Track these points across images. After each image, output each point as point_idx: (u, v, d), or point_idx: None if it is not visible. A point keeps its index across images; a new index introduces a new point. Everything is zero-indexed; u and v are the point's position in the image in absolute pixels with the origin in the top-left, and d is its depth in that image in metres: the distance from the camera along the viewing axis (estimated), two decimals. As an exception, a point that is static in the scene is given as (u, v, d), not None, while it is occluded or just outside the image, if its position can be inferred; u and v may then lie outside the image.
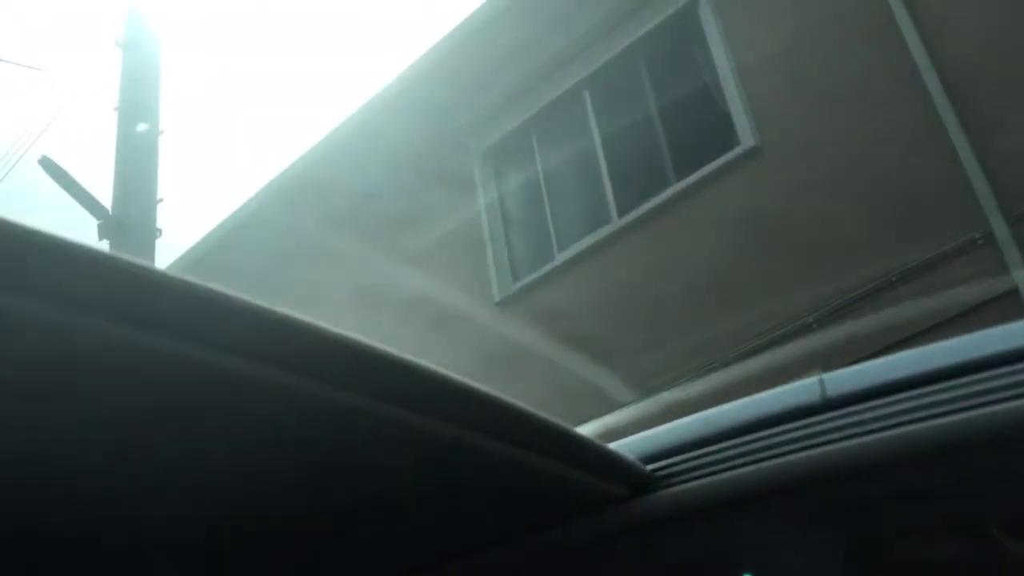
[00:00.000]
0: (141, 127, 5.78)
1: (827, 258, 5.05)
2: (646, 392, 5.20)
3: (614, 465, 0.70)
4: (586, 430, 0.70)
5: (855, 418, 0.64)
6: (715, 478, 0.68)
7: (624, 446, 0.74)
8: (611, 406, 5.23)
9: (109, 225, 5.57)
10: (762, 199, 5.49)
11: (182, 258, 8.40)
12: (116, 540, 0.67)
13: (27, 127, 16.80)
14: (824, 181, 5.24)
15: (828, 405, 0.66)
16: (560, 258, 6.46)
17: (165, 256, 8.72)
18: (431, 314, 6.92)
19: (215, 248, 8.27)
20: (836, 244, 5.04)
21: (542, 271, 6.53)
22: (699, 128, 6.08)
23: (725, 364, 5.00)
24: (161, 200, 5.80)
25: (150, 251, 5.69)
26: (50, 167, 5.51)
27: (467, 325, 6.72)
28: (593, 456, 0.69)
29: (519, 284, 6.67)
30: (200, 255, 8.33)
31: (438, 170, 7.25)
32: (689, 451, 0.70)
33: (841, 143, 5.25)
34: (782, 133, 5.53)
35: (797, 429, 0.66)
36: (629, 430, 0.78)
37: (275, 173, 7.96)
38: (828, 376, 0.68)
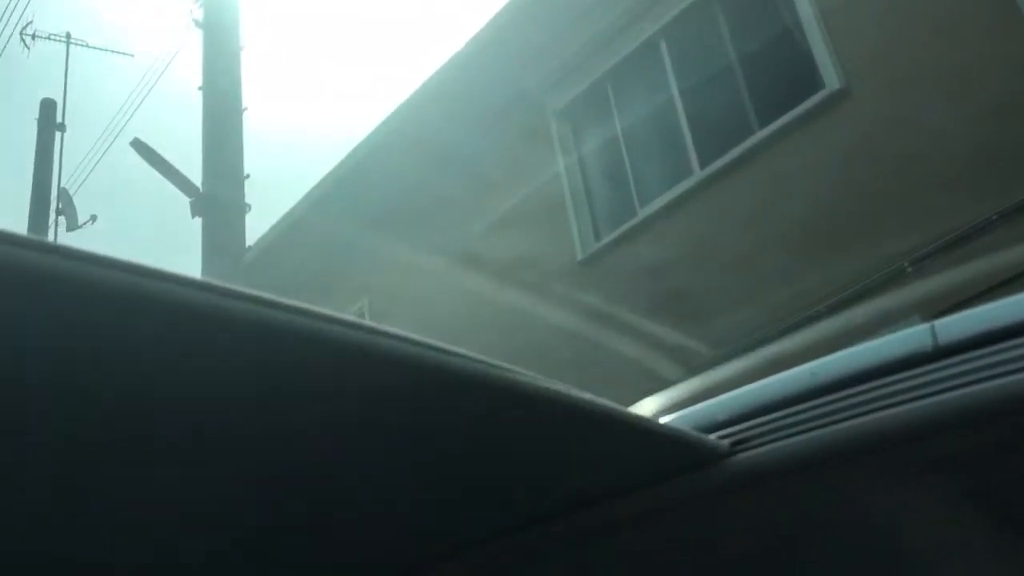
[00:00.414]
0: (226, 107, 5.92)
1: (921, 202, 4.88)
2: (738, 348, 5.13)
3: (670, 440, 0.69)
4: (681, 390, 0.70)
5: (969, 366, 0.62)
6: (802, 437, 0.66)
7: (702, 411, 0.74)
8: (702, 363, 5.19)
9: (200, 203, 5.75)
10: (850, 143, 5.32)
11: (280, 221, 8.58)
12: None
13: (119, 112, 17.36)
14: (916, 121, 5.04)
15: (940, 353, 0.64)
16: (642, 213, 6.40)
17: (254, 230, 8.93)
18: (514, 275, 6.95)
19: (307, 213, 8.44)
20: (931, 186, 4.86)
21: (624, 228, 6.48)
22: (781, 73, 5.91)
23: (818, 316, 4.90)
24: (248, 176, 5.96)
25: (240, 226, 5.87)
26: (142, 149, 5.70)
27: (552, 285, 6.73)
28: (644, 434, 0.68)
29: (602, 242, 6.64)
30: (296, 219, 8.53)
31: (516, 130, 7.24)
32: (781, 409, 0.68)
33: (934, 79, 5.04)
34: (869, 73, 5.34)
35: (908, 379, 0.63)
36: (725, 388, 0.78)
37: (354, 143, 8.06)
38: (939, 323, 0.66)
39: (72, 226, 9.66)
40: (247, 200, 5.91)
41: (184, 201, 5.92)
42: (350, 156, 8.05)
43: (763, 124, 5.82)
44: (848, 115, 5.39)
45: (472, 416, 0.64)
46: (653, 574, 0.77)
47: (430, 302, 7.59)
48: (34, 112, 10.54)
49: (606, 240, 6.60)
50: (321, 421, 0.61)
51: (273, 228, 8.64)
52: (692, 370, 5.10)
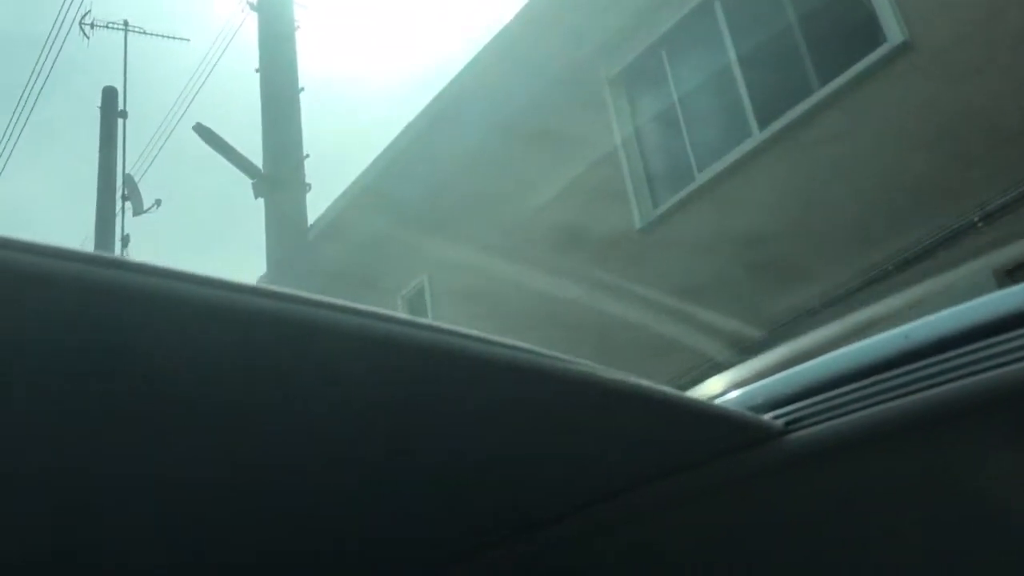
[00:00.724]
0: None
1: (993, 154, 4.74)
2: (808, 313, 5.07)
3: (721, 420, 0.70)
4: (748, 368, 0.70)
5: None
6: (857, 415, 0.66)
7: (758, 389, 0.74)
8: (771, 329, 5.14)
9: (263, 184, 5.85)
10: (916, 98, 5.19)
11: (339, 198, 8.67)
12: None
13: (179, 97, 17.65)
14: (985, 72, 4.89)
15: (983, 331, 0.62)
16: (701, 178, 6.33)
17: (315, 209, 9.05)
18: (572, 246, 6.94)
19: (365, 191, 8.53)
20: (999, 141, 4.72)
21: (683, 193, 6.42)
22: (841, 29, 5.77)
23: (887, 274, 4.81)
24: (307, 155, 6.03)
25: (302, 205, 5.95)
26: (204, 133, 5.81)
27: (610, 253, 6.71)
28: (694, 414, 0.69)
29: (660, 208, 6.59)
30: (355, 196, 8.63)
31: (571, 98, 7.20)
32: (835, 387, 0.68)
33: (1003, 27, 4.87)
34: (934, 25, 5.18)
35: (971, 352, 0.61)
36: (789, 364, 0.78)
37: (410, 118, 8.09)
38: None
39: (138, 211, 9.90)
40: (307, 179, 5.99)
41: (247, 183, 6.02)
42: (404, 132, 8.09)
43: (823, 82, 5.70)
44: (912, 69, 5.24)
45: (521, 403, 0.65)
46: (707, 553, 0.78)
47: (489, 277, 7.64)
48: (96, 100, 10.80)
49: (665, 207, 6.55)
50: (348, 413, 0.62)
51: (332, 206, 8.75)
52: (751, 345, 5.05)
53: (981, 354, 0.61)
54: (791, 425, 0.68)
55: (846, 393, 0.66)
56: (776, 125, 5.85)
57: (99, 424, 0.57)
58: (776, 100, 5.95)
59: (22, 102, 11.08)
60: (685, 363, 5.04)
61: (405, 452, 0.67)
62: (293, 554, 0.75)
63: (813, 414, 0.67)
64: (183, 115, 10.63)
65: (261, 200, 6.03)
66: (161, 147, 15.26)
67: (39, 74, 13.53)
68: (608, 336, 6.50)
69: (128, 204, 9.99)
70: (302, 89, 6.16)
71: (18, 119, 12.53)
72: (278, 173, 5.77)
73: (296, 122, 6.01)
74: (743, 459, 0.69)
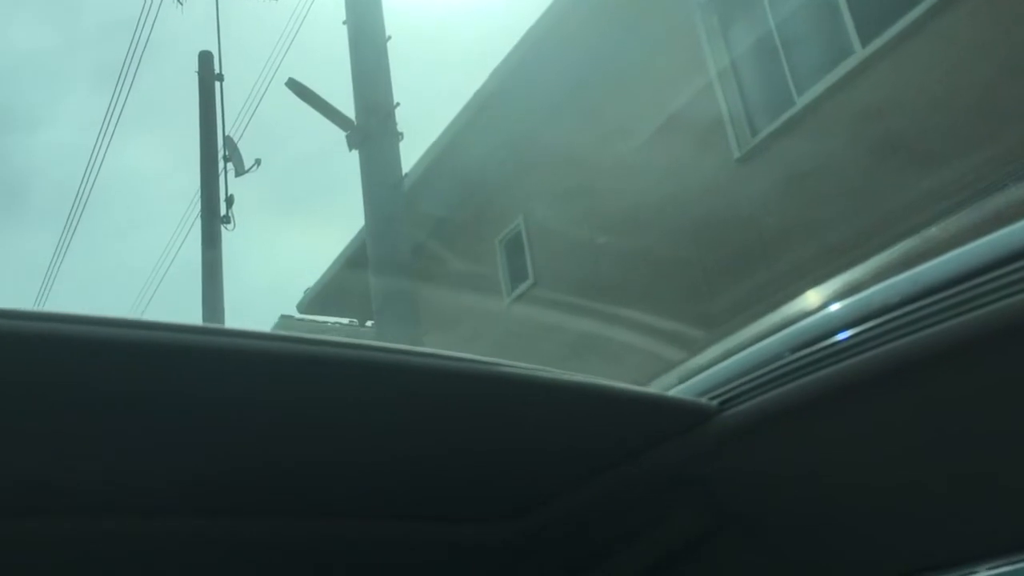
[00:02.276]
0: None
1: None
2: (915, 234, 4.85)
3: (661, 407, 0.78)
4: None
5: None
6: (782, 389, 0.72)
7: (704, 378, 0.81)
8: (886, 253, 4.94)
9: (356, 135, 5.91)
10: (1033, -1, 4.84)
11: (432, 146, 8.70)
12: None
13: (270, 56, 17.94)
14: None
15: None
16: (801, 102, 6.09)
17: (409, 157, 9.12)
18: (669, 180, 6.81)
19: (457, 137, 8.54)
20: None
21: (782, 119, 6.19)
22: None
23: (1001, 188, 4.54)
24: (398, 105, 6.05)
25: (395, 155, 5.99)
26: (297, 88, 5.88)
27: (708, 185, 6.55)
28: (636, 404, 0.77)
29: (759, 136, 6.39)
30: (447, 144, 8.65)
31: (660, 27, 7.00)
32: (763, 367, 0.75)
33: None
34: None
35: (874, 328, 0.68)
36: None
37: (497, 62, 8.02)
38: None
39: (240, 171, 10.16)
40: (399, 129, 6.01)
41: (342, 137, 6.09)
42: (493, 76, 8.03)
43: (931, -10, 5.38)
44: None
45: (476, 409, 0.73)
46: (660, 528, 0.85)
47: (585, 217, 7.57)
48: (193, 67, 11.06)
49: (764, 133, 6.34)
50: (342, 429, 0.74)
51: (425, 155, 8.80)
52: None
53: (891, 324, 0.67)
54: (725, 404, 0.77)
55: (772, 370, 0.73)
56: (880, 40, 5.56)
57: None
58: (879, 14, 5.65)
59: (122, 77, 11.44)
60: (797, 282, 4.91)
61: (407, 458, 0.78)
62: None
63: (744, 392, 0.75)
64: (275, 73, 10.81)
65: (356, 153, 6.10)
66: (256, 107, 15.57)
67: (136, 47, 13.93)
68: (709, 271, 6.38)
69: (230, 165, 10.27)
70: (389, 38, 6.16)
71: (119, 94, 12.97)
72: (370, 124, 5.81)
73: (385, 72, 6.03)
74: (686, 439, 0.78)
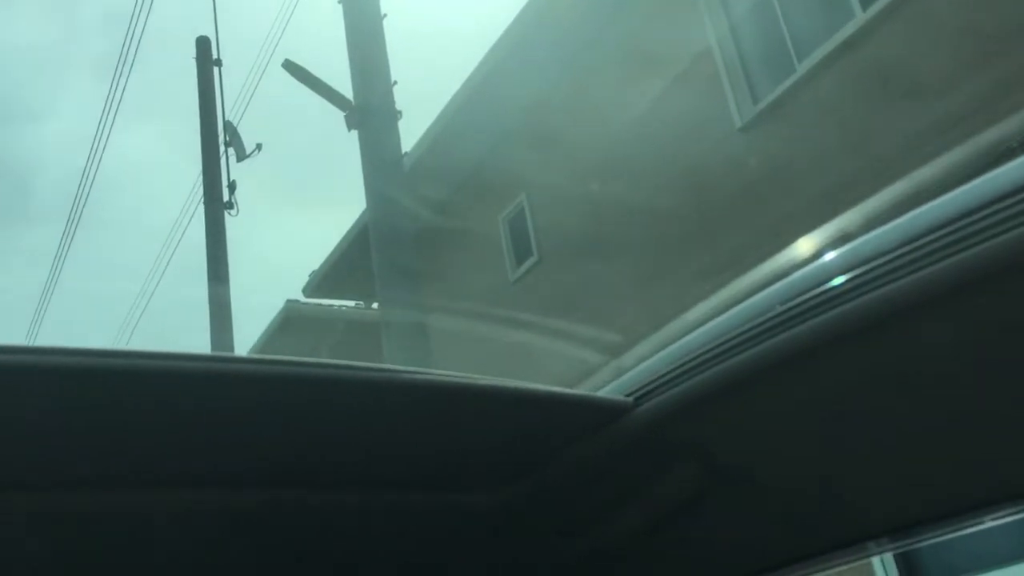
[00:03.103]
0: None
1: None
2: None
3: (580, 405, 0.84)
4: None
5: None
6: (692, 380, 0.78)
7: (628, 377, 0.86)
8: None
9: (354, 115, 5.87)
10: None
11: (433, 124, 8.66)
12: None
13: (265, 40, 17.88)
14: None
15: None
16: (802, 68, 6.03)
17: (410, 135, 9.08)
18: (671, 152, 6.76)
19: (457, 115, 8.49)
20: None
21: (784, 86, 6.14)
22: None
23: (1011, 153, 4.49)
24: (395, 82, 6.01)
25: (395, 133, 5.95)
26: (294, 69, 5.84)
27: (711, 155, 6.51)
28: (555, 404, 0.83)
29: (761, 104, 6.33)
30: (447, 121, 8.61)
31: None
32: (676, 361, 0.80)
33: None
34: None
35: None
36: None
37: (496, 37, 7.95)
38: None
39: (241, 156, 10.14)
40: (398, 107, 5.97)
41: (340, 116, 6.05)
42: (493, 50, 7.97)
43: (931, -50, 5.30)
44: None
45: (401, 416, 0.80)
46: (585, 521, 0.91)
47: (587, 192, 7.53)
48: (191, 52, 11.01)
49: (766, 101, 6.28)
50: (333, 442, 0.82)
51: (426, 133, 8.75)
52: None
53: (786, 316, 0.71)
54: (640, 400, 0.82)
55: (683, 364, 0.79)
56: (882, 2, 5.49)
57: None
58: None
59: (120, 65, 11.40)
60: (783, 251, 4.89)
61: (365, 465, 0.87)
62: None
63: (658, 387, 0.81)
64: (272, 56, 10.76)
65: (356, 133, 6.06)
66: (255, 91, 15.51)
67: (133, 35, 13.88)
68: (713, 244, 6.35)
69: (231, 151, 10.24)
70: (385, 15, 6.11)
71: (118, 82, 12.93)
72: (368, 102, 5.77)
73: (381, 49, 5.98)
74: (603, 434, 0.83)
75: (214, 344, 9.47)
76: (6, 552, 0.80)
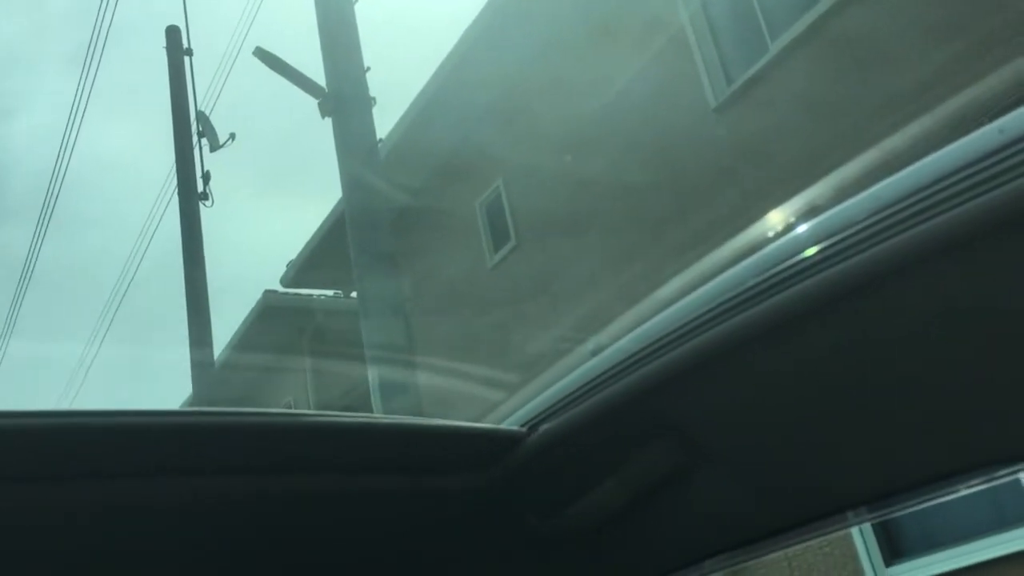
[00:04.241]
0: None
1: None
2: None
3: (476, 436, 0.90)
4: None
5: None
6: (579, 408, 0.83)
7: (527, 408, 0.91)
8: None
9: (328, 102, 5.82)
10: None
11: (408, 111, 8.62)
12: None
13: (236, 28, 17.68)
14: None
15: None
16: (775, 47, 6.04)
17: (384, 123, 9.03)
18: (645, 135, 6.76)
19: (432, 101, 8.45)
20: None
21: (757, 66, 6.15)
22: None
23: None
24: (368, 68, 5.96)
25: (369, 120, 5.91)
26: (265, 57, 5.78)
27: (687, 137, 6.51)
28: (449, 437, 0.89)
29: (735, 85, 6.34)
30: (422, 108, 8.56)
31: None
32: (568, 392, 0.85)
33: None
34: None
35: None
36: None
37: (470, 20, 7.90)
38: None
39: (215, 147, 10.04)
40: (371, 93, 5.92)
41: (313, 104, 5.99)
42: (466, 35, 7.93)
43: (901, -74, 5.32)
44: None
45: (319, 460, 0.85)
46: (481, 549, 0.97)
47: (564, 175, 7.52)
48: (161, 41, 10.88)
49: (739, 81, 6.29)
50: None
51: (401, 120, 8.70)
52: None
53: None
54: (532, 429, 0.87)
55: (572, 393, 0.83)
56: (852, -20, 5.51)
57: None
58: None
59: (89, 57, 11.25)
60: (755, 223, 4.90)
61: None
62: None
63: (548, 416, 0.86)
64: (242, 45, 10.65)
65: (330, 121, 6.01)
66: (226, 80, 15.34)
67: (101, 27, 13.69)
68: (687, 222, 6.36)
69: (204, 141, 10.14)
70: (356, 1, 6.05)
71: (87, 75, 12.76)
72: (341, 89, 5.72)
73: (354, 35, 5.92)
74: (497, 464, 0.88)
75: (192, 336, 9.41)
76: None
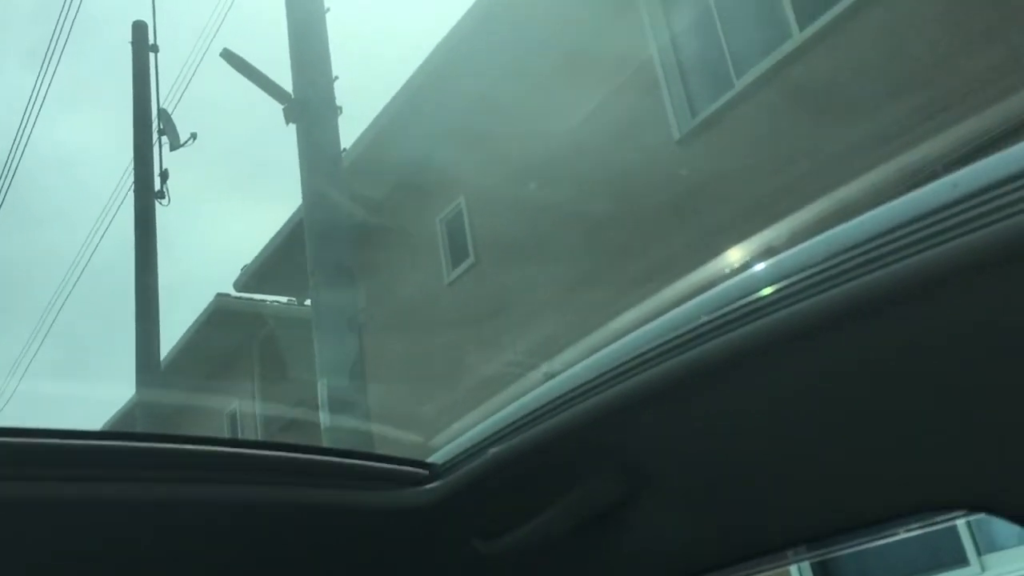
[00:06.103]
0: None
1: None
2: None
3: (379, 475, 0.93)
4: None
5: None
6: (488, 453, 0.85)
7: (444, 451, 0.94)
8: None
9: (293, 109, 5.78)
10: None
11: (374, 122, 8.58)
12: None
13: (204, 28, 17.52)
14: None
15: None
16: (740, 84, 6.14)
17: (349, 133, 8.99)
18: (608, 162, 6.82)
19: (398, 114, 8.44)
20: None
21: (722, 100, 6.24)
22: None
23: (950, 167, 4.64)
24: (336, 77, 5.94)
25: (334, 129, 5.88)
26: (232, 59, 5.73)
27: (649, 168, 6.58)
28: (357, 475, 0.93)
29: (699, 118, 6.43)
30: (388, 120, 8.54)
31: (601, 5, 6.98)
32: (481, 436, 0.88)
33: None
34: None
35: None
36: None
37: (440, 38, 7.92)
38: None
39: (175, 145, 9.91)
40: (338, 102, 5.90)
41: (278, 109, 5.94)
42: (436, 51, 7.94)
43: (867, -24, 5.45)
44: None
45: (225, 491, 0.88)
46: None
47: (525, 197, 7.55)
48: (126, 36, 10.73)
49: (704, 115, 6.38)
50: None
51: (366, 132, 8.68)
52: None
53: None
54: (442, 471, 0.90)
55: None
56: (817, 24, 5.63)
57: None
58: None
59: (51, 51, 11.06)
60: (726, 253, 4.97)
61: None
62: None
63: (457, 461, 0.88)
64: (210, 45, 10.55)
65: (294, 127, 5.96)
66: (191, 80, 15.18)
67: (64, 20, 13.48)
68: (645, 253, 6.42)
69: (165, 139, 10.00)
70: (328, 10, 6.03)
71: (47, 69, 12.55)
72: (308, 96, 5.69)
73: (323, 43, 5.90)
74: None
75: (139, 336, 9.24)
76: None
